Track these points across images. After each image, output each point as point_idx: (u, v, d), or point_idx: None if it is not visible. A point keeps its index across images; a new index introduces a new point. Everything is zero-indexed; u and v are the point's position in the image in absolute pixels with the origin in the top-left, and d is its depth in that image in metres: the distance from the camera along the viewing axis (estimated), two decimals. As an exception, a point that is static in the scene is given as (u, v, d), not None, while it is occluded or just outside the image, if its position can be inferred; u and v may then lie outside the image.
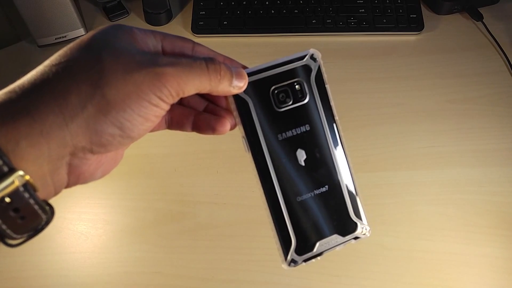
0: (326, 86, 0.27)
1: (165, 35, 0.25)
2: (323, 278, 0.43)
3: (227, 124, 0.26)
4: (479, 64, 0.61)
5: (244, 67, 0.26)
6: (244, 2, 0.67)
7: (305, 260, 0.27)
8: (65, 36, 0.65)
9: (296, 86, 0.26)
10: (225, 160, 0.53)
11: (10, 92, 0.19)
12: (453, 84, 0.59)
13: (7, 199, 0.18)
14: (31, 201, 0.18)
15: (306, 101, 0.26)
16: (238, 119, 0.26)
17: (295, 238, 0.26)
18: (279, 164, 0.26)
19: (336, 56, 0.63)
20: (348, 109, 0.57)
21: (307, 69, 0.26)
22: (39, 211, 0.19)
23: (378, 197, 0.49)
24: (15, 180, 0.18)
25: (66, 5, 0.62)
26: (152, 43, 0.24)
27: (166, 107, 0.22)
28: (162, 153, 0.54)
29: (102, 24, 0.69)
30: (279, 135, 0.26)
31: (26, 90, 0.19)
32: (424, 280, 0.44)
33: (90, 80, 0.19)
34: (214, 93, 0.24)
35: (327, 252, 0.27)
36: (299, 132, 0.26)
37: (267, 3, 0.66)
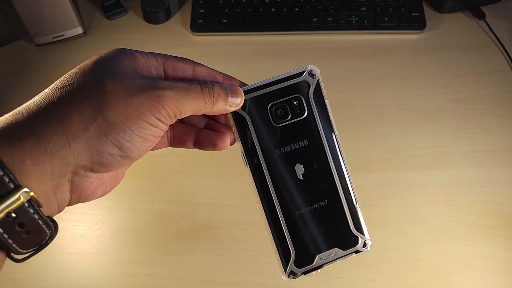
0: (325, 101, 0.27)
1: (166, 58, 0.25)
2: (325, 280, 0.43)
3: (227, 140, 0.27)
4: (481, 63, 0.61)
5: (243, 84, 0.27)
6: (244, 0, 0.66)
7: (305, 273, 0.27)
8: (63, 35, 0.64)
9: (294, 102, 0.27)
10: (224, 161, 0.53)
11: (17, 114, 0.21)
12: (455, 83, 0.59)
13: (13, 214, 0.19)
14: (36, 216, 0.20)
15: (304, 116, 0.27)
16: (236, 135, 0.26)
17: (294, 251, 0.27)
18: (277, 178, 0.27)
19: (337, 55, 0.63)
20: (349, 108, 0.56)
21: (305, 85, 0.27)
22: (43, 226, 0.20)
23: (379, 198, 0.49)
24: (21, 196, 0.19)
25: (64, 3, 0.61)
26: (154, 66, 0.25)
27: (165, 128, 0.23)
28: (160, 153, 0.53)
29: (100, 23, 0.68)
30: (277, 150, 0.27)
31: (32, 112, 0.20)
32: (426, 282, 0.43)
33: (92, 104, 0.21)
34: (211, 114, 0.25)
35: (326, 265, 0.27)
36: (297, 147, 0.27)
37: (267, 1, 0.66)
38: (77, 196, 0.23)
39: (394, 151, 0.53)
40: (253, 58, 0.63)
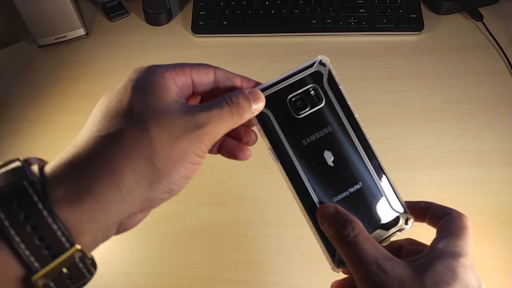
0: (340, 87, 0.28)
1: (191, 68, 0.26)
2: (325, 279, 0.43)
3: (248, 152, 0.28)
4: (479, 64, 0.61)
5: (258, 84, 0.27)
6: (244, 2, 0.67)
7: None
8: (65, 36, 0.65)
9: (311, 92, 0.27)
10: (225, 160, 0.53)
11: (70, 165, 0.21)
12: (453, 84, 0.59)
13: (65, 270, 0.20)
14: (84, 269, 0.20)
15: (323, 104, 0.27)
16: (261, 132, 0.27)
17: None
18: (309, 168, 0.26)
19: (336, 56, 0.63)
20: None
21: (318, 75, 0.28)
22: (87, 274, 0.21)
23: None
24: (75, 254, 0.20)
25: (66, 5, 0.62)
26: (185, 83, 0.25)
27: (203, 159, 0.24)
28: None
29: (102, 24, 0.69)
30: (303, 141, 0.27)
31: (85, 166, 0.20)
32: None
33: (141, 154, 0.21)
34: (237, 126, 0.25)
35: None
36: (322, 134, 0.27)
37: (267, 3, 0.66)
38: (122, 230, 0.24)
39: (393, 151, 0.53)
40: (253, 60, 0.63)
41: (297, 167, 0.26)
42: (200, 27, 0.66)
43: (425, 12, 0.67)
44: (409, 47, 0.64)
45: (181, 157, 0.22)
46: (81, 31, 0.65)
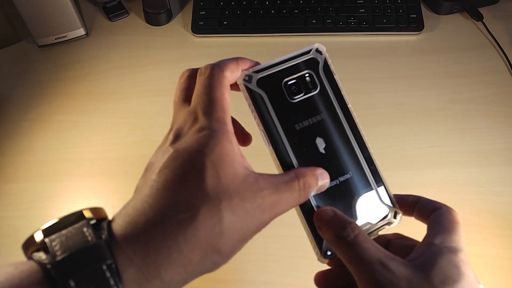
0: (335, 76, 0.28)
1: (228, 100, 0.25)
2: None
3: (249, 139, 0.28)
4: (479, 64, 0.61)
5: (257, 63, 0.27)
6: (244, 2, 0.67)
7: None
8: (65, 36, 0.65)
9: (307, 78, 0.27)
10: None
11: (140, 242, 0.20)
12: (453, 84, 0.59)
13: None
14: None
15: (317, 91, 0.27)
16: (254, 113, 0.26)
17: None
18: (300, 153, 0.26)
19: (336, 56, 0.63)
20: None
21: (314, 61, 0.27)
22: None
23: (378, 197, 0.49)
24: None
25: (66, 5, 0.62)
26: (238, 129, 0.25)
27: None
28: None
29: (102, 24, 0.69)
30: (296, 125, 0.26)
31: (157, 247, 0.20)
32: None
33: (212, 245, 0.21)
34: None
35: None
36: (315, 121, 0.27)
37: (267, 3, 0.66)
38: None
39: (392, 151, 0.53)
40: (253, 60, 0.63)
41: (288, 151, 0.26)
42: (200, 27, 0.66)
43: (425, 12, 0.67)
44: (409, 47, 0.64)
45: (244, 242, 0.22)
46: (81, 31, 0.65)
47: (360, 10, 0.65)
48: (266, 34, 0.66)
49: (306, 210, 0.26)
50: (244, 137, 0.28)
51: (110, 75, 0.62)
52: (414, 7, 0.65)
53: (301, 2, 0.66)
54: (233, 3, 0.67)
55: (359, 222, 0.26)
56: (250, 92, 0.26)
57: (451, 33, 0.65)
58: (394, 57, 0.63)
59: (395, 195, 0.28)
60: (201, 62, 0.68)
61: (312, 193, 0.25)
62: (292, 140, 0.26)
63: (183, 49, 0.65)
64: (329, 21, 0.65)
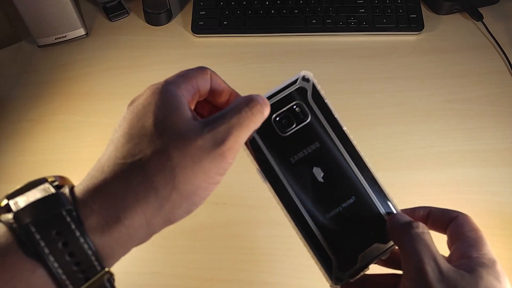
0: (325, 101, 0.27)
1: (196, 77, 0.25)
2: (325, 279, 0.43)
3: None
4: (479, 64, 0.61)
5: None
6: (244, 2, 0.67)
7: (351, 276, 0.26)
8: (65, 36, 0.65)
9: (296, 109, 0.27)
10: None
11: (98, 191, 0.21)
12: (453, 84, 0.59)
13: None
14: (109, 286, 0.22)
15: (308, 120, 0.27)
16: (248, 153, 0.26)
17: (334, 256, 0.26)
18: (298, 186, 0.26)
19: (336, 56, 0.63)
20: (348, 109, 0.57)
21: (302, 90, 0.27)
22: None
23: (378, 197, 0.49)
24: (104, 276, 0.21)
25: (66, 5, 0.62)
26: (192, 93, 0.25)
27: (223, 178, 0.24)
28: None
29: (102, 24, 0.69)
30: (291, 159, 0.26)
31: (113, 193, 0.21)
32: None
33: (165, 182, 0.22)
34: None
35: (372, 263, 0.26)
36: (310, 151, 0.26)
37: (267, 3, 0.66)
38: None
39: (392, 151, 0.53)
40: (253, 60, 0.63)
41: (286, 186, 0.26)
42: (200, 27, 0.66)
43: (425, 12, 0.67)
44: (409, 47, 0.64)
45: (203, 180, 0.22)
46: (81, 31, 0.65)
47: (360, 10, 0.65)
48: (266, 34, 0.66)
49: (311, 239, 0.26)
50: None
51: (110, 75, 0.62)
52: (414, 7, 0.65)
53: (301, 2, 0.66)
54: (233, 3, 0.67)
55: (368, 244, 0.26)
56: None
57: (451, 33, 0.65)
58: (394, 57, 0.63)
59: (404, 211, 0.28)
60: (201, 62, 0.68)
61: (266, 108, 0.25)
62: (288, 174, 0.26)
63: (183, 49, 0.65)
64: (329, 21, 0.65)
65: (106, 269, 0.21)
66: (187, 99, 0.25)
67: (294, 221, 0.26)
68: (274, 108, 0.26)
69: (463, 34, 0.65)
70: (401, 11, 0.65)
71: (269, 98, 0.27)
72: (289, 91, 0.27)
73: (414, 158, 0.52)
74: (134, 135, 0.23)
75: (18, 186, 0.21)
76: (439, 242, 0.26)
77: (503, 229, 0.46)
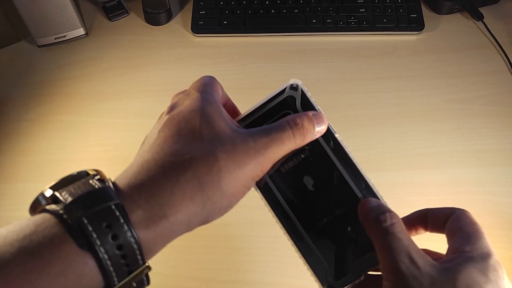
0: (316, 108, 0.27)
1: (214, 82, 0.27)
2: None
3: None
4: (479, 64, 0.61)
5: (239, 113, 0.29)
6: (244, 2, 0.67)
7: (344, 284, 0.26)
8: (64, 36, 0.65)
9: None
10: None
11: (144, 186, 0.22)
12: (453, 84, 0.59)
13: (134, 284, 0.21)
14: (145, 282, 0.22)
15: None
16: None
17: (327, 265, 0.26)
18: (289, 195, 0.26)
19: (336, 56, 0.63)
20: (348, 109, 0.56)
21: (291, 99, 0.27)
22: (146, 284, 0.23)
23: (378, 197, 0.49)
24: (144, 270, 0.21)
25: (66, 5, 0.62)
26: (228, 105, 0.27)
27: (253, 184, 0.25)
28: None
29: (102, 24, 0.68)
30: (281, 168, 0.26)
31: (160, 189, 0.22)
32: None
33: (212, 182, 0.22)
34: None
35: (366, 272, 0.26)
36: (300, 159, 0.26)
37: (267, 2, 0.66)
38: None
39: (393, 151, 0.53)
40: (253, 59, 0.63)
41: (277, 195, 0.26)
42: (200, 26, 0.65)
43: (426, 11, 0.67)
44: (409, 47, 0.64)
45: (243, 183, 0.23)
46: (81, 31, 0.65)
47: (360, 10, 0.65)
48: (266, 33, 0.65)
49: (303, 247, 0.26)
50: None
51: (110, 75, 0.62)
52: (415, 7, 0.65)
53: (301, 1, 0.66)
54: (233, 2, 0.67)
55: (361, 253, 0.26)
56: None
57: (452, 33, 0.65)
58: (394, 57, 0.62)
59: (402, 219, 0.27)
60: (201, 62, 0.68)
61: (311, 134, 0.25)
62: (279, 183, 0.26)
63: (183, 49, 0.65)
64: (329, 20, 0.65)
65: (147, 264, 0.21)
66: (225, 110, 0.26)
67: (286, 229, 0.26)
68: (264, 118, 0.27)
69: (463, 34, 0.65)
70: (401, 10, 0.65)
71: (259, 108, 0.27)
72: (278, 101, 0.27)
73: (414, 158, 0.52)
74: (182, 137, 0.23)
75: (57, 179, 0.22)
76: (440, 243, 0.26)
77: (504, 229, 0.46)
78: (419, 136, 0.54)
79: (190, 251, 0.46)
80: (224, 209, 0.24)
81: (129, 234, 0.20)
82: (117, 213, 0.20)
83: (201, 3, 0.67)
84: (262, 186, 0.26)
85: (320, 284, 0.26)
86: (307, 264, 0.26)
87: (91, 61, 0.64)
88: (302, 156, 0.26)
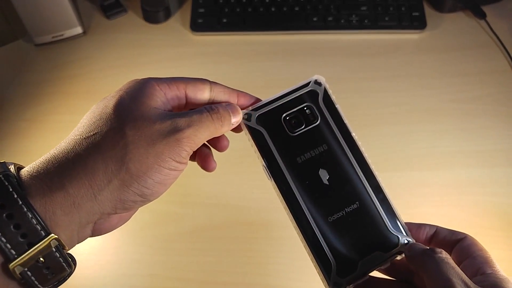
0: (336, 106, 0.28)
1: (187, 83, 0.26)
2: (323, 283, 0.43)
3: (213, 164, 0.29)
4: (482, 62, 0.60)
5: (257, 99, 0.28)
6: (244, 0, 0.66)
7: (349, 282, 0.26)
8: (62, 35, 0.64)
9: (306, 110, 0.28)
10: (224, 161, 0.52)
11: (46, 162, 0.22)
12: (455, 83, 0.58)
13: (42, 259, 0.21)
14: (61, 259, 0.21)
15: (318, 122, 0.28)
16: (255, 149, 0.27)
17: (334, 260, 0.26)
18: (303, 186, 0.26)
19: (338, 54, 0.62)
20: (349, 108, 0.56)
21: (314, 94, 0.28)
22: (66, 266, 0.22)
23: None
24: (50, 243, 0.21)
25: (63, 3, 0.61)
26: (176, 94, 0.26)
27: (184, 167, 0.25)
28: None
29: (99, 22, 0.68)
30: (298, 158, 0.27)
31: (60, 162, 0.22)
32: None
33: (115, 156, 0.22)
34: (217, 135, 0.26)
35: (371, 271, 0.26)
36: (317, 152, 0.27)
37: (267, 0, 0.66)
38: (98, 232, 0.25)
39: (394, 151, 0.52)
40: (253, 58, 0.62)
41: (291, 185, 0.26)
42: (199, 25, 0.65)
43: (428, 10, 0.66)
44: (411, 46, 0.63)
45: (156, 161, 0.23)
46: (79, 30, 0.65)
47: (362, 8, 0.64)
48: (266, 32, 0.65)
49: (312, 240, 0.26)
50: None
51: (108, 74, 0.62)
52: (417, 5, 0.65)
53: (301, -1, 0.66)
54: (232, 0, 0.66)
55: (368, 252, 0.26)
56: (250, 129, 0.27)
57: (454, 32, 0.64)
58: (396, 55, 0.62)
59: (410, 224, 0.28)
60: (199, 60, 0.67)
61: (228, 121, 0.26)
62: (294, 174, 0.26)
63: (181, 47, 0.64)
64: (330, 18, 0.64)
65: (53, 235, 0.21)
66: (165, 97, 0.25)
67: (296, 220, 0.26)
68: (285, 107, 0.28)
69: (466, 33, 0.64)
70: (403, 9, 0.64)
71: (281, 97, 0.28)
72: (301, 93, 0.28)
73: (416, 158, 0.52)
74: (96, 114, 0.24)
75: None
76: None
77: (507, 230, 0.46)
78: (422, 136, 0.53)
79: (188, 253, 0.46)
80: (139, 190, 0.23)
81: (20, 202, 0.20)
82: (6, 183, 0.20)
83: (200, 1, 0.66)
84: (277, 174, 0.26)
85: (325, 280, 0.26)
86: (313, 258, 0.26)
87: (89, 60, 0.63)
88: (320, 149, 0.27)
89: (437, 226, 0.27)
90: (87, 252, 0.46)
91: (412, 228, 0.27)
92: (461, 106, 0.56)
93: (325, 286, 0.26)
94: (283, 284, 0.43)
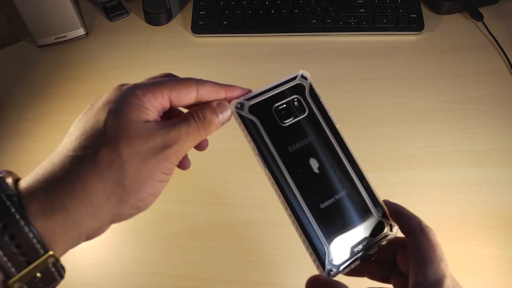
0: (320, 99, 0.29)
1: (170, 89, 0.26)
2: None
3: (187, 162, 0.30)
4: (479, 64, 0.61)
5: (244, 91, 0.29)
6: (244, 2, 0.67)
7: (342, 267, 0.27)
8: (64, 36, 0.65)
9: (295, 102, 0.29)
10: (225, 160, 0.53)
11: (45, 181, 0.22)
12: (453, 84, 0.59)
13: (38, 274, 0.21)
14: (56, 273, 0.22)
15: (306, 114, 0.29)
16: (248, 139, 0.28)
17: (327, 246, 0.27)
18: (296, 174, 0.27)
19: (336, 56, 0.63)
20: (348, 109, 0.56)
21: (300, 87, 0.29)
22: (58, 277, 0.23)
23: (378, 197, 0.49)
24: (48, 260, 0.21)
25: (66, 5, 0.62)
26: (160, 102, 0.26)
27: (170, 177, 0.26)
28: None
29: (102, 24, 0.69)
30: (289, 148, 0.28)
31: (61, 183, 0.22)
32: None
33: (113, 176, 0.23)
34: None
35: (361, 255, 0.27)
36: (307, 142, 0.28)
37: (267, 3, 0.66)
38: (90, 238, 0.25)
39: (393, 150, 0.53)
40: (253, 59, 0.63)
41: (284, 172, 0.27)
42: (200, 27, 0.66)
43: (425, 12, 0.67)
44: (409, 47, 0.64)
45: (148, 177, 0.24)
46: (81, 31, 0.65)
47: (360, 10, 0.65)
48: (266, 34, 0.65)
49: (305, 227, 0.26)
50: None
51: (110, 75, 0.62)
52: (414, 7, 0.65)
53: (301, 1, 0.66)
54: (233, 3, 0.67)
55: (358, 237, 0.27)
56: (243, 118, 0.27)
57: (451, 33, 0.65)
58: (394, 57, 0.63)
59: (385, 201, 0.29)
60: (201, 62, 0.68)
61: (214, 126, 0.27)
62: (286, 162, 0.27)
63: (183, 49, 0.65)
64: (329, 21, 0.65)
65: (50, 253, 0.21)
66: (152, 105, 0.25)
67: (290, 207, 0.27)
68: (275, 98, 0.28)
69: (463, 34, 0.65)
70: (401, 11, 0.65)
71: (270, 89, 0.29)
72: (289, 86, 0.29)
73: (414, 158, 0.52)
74: (88, 129, 0.24)
75: None
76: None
77: (503, 229, 0.46)
78: (419, 136, 0.54)
79: (190, 251, 0.46)
80: (135, 204, 0.24)
81: (22, 223, 0.20)
82: (8, 203, 0.21)
83: (201, 3, 0.67)
84: (269, 162, 0.27)
85: (319, 266, 0.26)
86: (307, 244, 0.27)
87: (91, 61, 0.64)
88: (309, 139, 0.28)
89: (404, 210, 0.28)
90: (90, 251, 0.46)
91: (389, 205, 0.29)
92: (458, 106, 0.57)
93: (319, 272, 0.26)
94: (283, 282, 0.44)
